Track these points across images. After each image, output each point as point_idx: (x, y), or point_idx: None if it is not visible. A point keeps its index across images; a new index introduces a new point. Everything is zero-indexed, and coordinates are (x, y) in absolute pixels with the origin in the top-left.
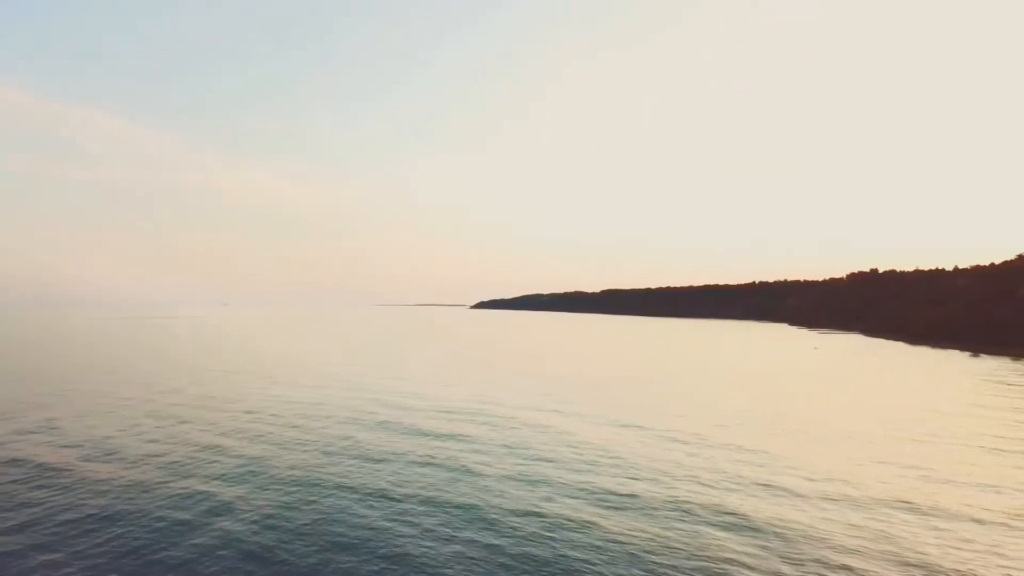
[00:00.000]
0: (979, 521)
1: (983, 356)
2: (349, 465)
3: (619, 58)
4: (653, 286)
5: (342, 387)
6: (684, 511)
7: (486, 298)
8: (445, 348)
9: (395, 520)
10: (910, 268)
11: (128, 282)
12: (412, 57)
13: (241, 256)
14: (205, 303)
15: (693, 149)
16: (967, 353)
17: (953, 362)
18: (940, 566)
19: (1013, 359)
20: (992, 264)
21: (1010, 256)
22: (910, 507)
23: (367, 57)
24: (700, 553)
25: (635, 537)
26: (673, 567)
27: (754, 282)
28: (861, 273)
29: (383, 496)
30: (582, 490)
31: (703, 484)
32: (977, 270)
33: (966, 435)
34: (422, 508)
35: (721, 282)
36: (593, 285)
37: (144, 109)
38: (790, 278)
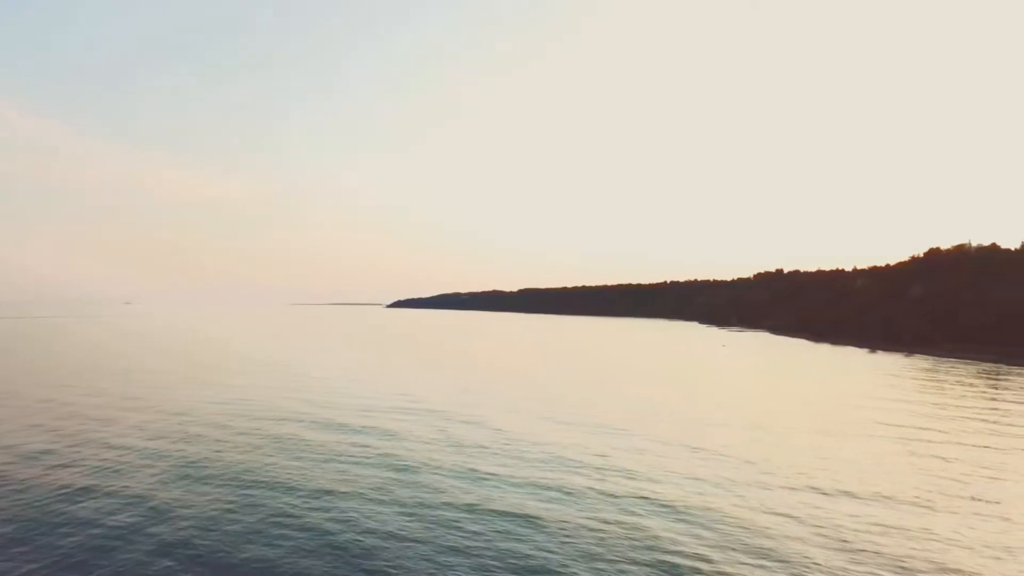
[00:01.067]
0: (888, 499)
1: (879, 352)
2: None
3: (542, 63)
4: (570, 285)
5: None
6: (614, 501)
7: (403, 297)
8: (337, 348)
9: (331, 519)
10: (813, 269)
11: (27, 279)
12: (339, 60)
13: (151, 252)
14: (109, 301)
15: (613, 152)
16: (865, 350)
17: (852, 358)
18: (850, 543)
19: (905, 355)
20: (888, 265)
21: (904, 258)
22: (820, 491)
23: (295, 56)
24: (635, 540)
25: (570, 526)
26: (607, 554)
27: (666, 282)
28: (767, 273)
29: (313, 495)
30: (517, 484)
31: (628, 475)
32: (874, 271)
33: (866, 425)
34: (357, 505)
35: (635, 282)
36: (511, 284)
37: (45, 100)
38: (700, 278)
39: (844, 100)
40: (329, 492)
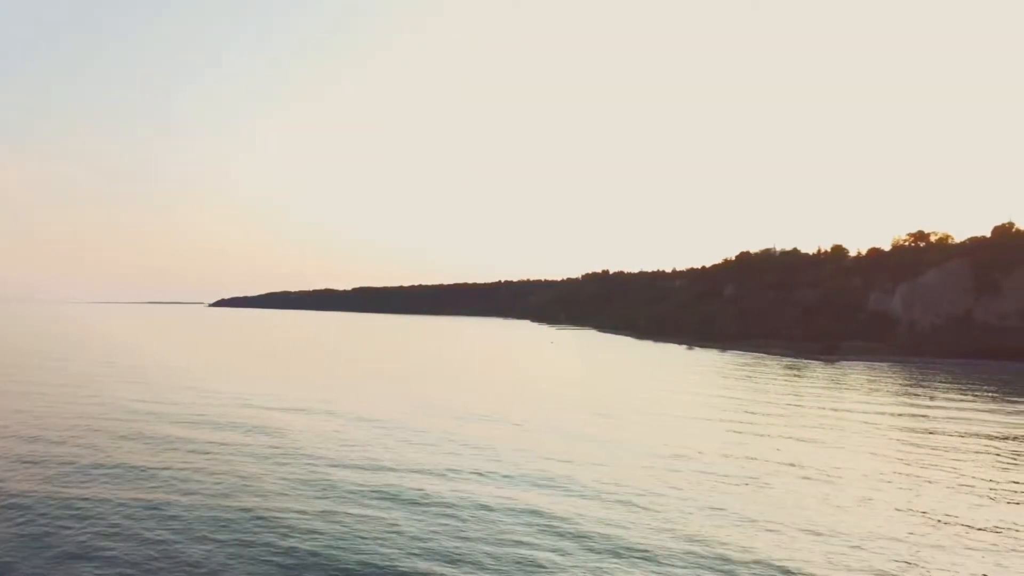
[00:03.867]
0: (722, 478)
1: (696, 348)
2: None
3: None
4: (405, 284)
5: None
6: (464, 503)
7: (228, 295)
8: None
9: (163, 527)
10: (636, 270)
11: None
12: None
13: None
14: None
15: (458, 152)
16: (684, 346)
17: (672, 353)
18: (677, 527)
19: (720, 351)
20: (703, 267)
21: (718, 260)
22: (655, 474)
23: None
24: (492, 540)
25: (416, 528)
26: (459, 552)
27: (500, 281)
28: (594, 274)
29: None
30: (359, 489)
31: (479, 476)
32: (691, 272)
33: (687, 413)
34: (194, 514)
35: (469, 281)
36: (344, 283)
37: None
38: (532, 278)
39: (669, 106)
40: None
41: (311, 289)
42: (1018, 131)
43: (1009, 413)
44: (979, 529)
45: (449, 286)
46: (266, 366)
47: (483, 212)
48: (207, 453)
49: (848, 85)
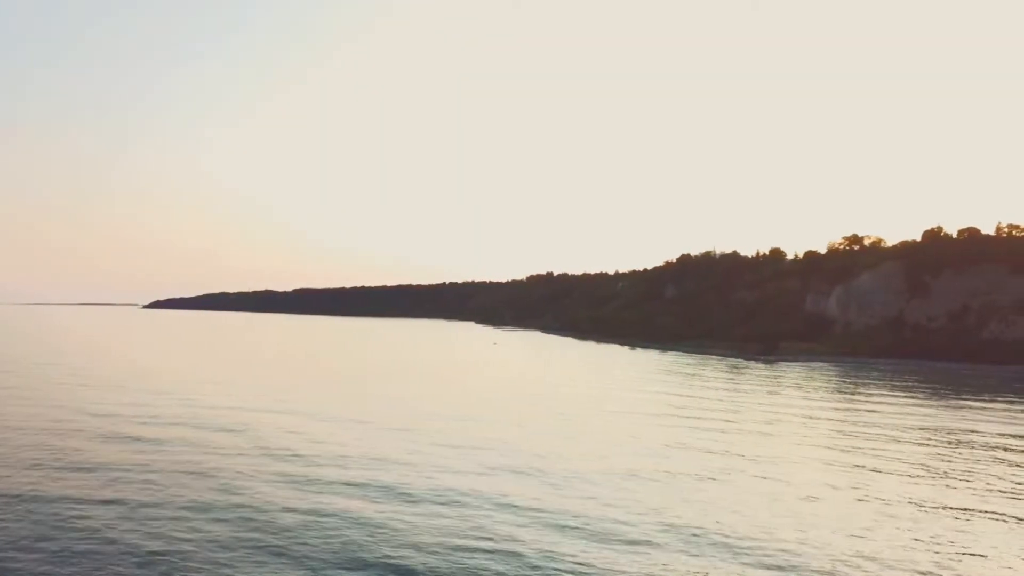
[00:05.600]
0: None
1: (638, 348)
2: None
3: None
4: (347, 285)
5: None
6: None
7: (164, 296)
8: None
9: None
10: (580, 272)
11: None
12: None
13: None
14: None
15: (406, 151)
16: (626, 346)
17: (615, 354)
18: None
19: (661, 351)
20: (646, 269)
21: (660, 262)
22: (596, 468)
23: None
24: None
25: (384, 520)
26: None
27: (444, 282)
28: (539, 275)
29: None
30: (319, 482)
31: (429, 470)
32: (634, 274)
33: (628, 410)
34: (150, 510)
35: (413, 282)
36: (283, 284)
37: None
38: (477, 279)
39: (612, 109)
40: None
41: (250, 290)
42: (949, 136)
43: (937, 408)
44: (913, 508)
45: (393, 287)
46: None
47: (428, 212)
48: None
49: (782, 89)
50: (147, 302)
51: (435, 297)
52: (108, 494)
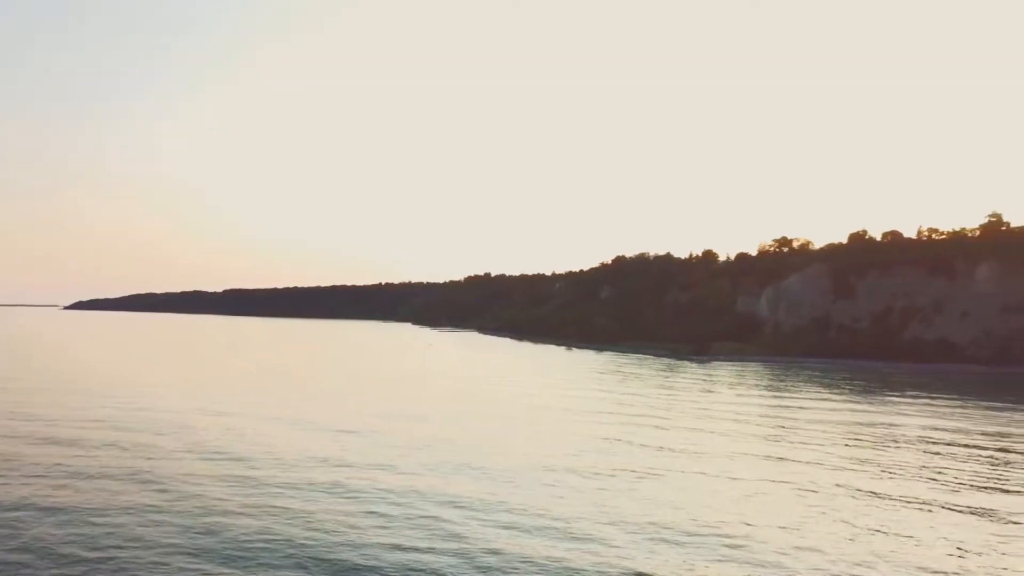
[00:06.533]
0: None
1: (575, 349)
2: None
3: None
4: (281, 285)
5: None
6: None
7: (87, 297)
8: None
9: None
10: (517, 273)
11: None
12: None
13: None
14: None
15: (344, 148)
16: (563, 347)
17: (552, 354)
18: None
19: (596, 351)
20: (581, 270)
21: (596, 264)
22: (526, 464)
23: None
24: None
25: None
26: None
27: (380, 283)
28: (477, 277)
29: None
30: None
31: (375, 468)
32: (570, 275)
33: (569, 407)
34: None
35: (348, 283)
36: (214, 283)
37: None
38: (414, 280)
39: (547, 110)
40: None
41: (179, 291)
42: (875, 142)
43: (863, 405)
44: (847, 498)
45: (327, 288)
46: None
47: (366, 212)
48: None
49: (713, 94)
50: (69, 303)
51: (371, 298)
52: (41, 500)
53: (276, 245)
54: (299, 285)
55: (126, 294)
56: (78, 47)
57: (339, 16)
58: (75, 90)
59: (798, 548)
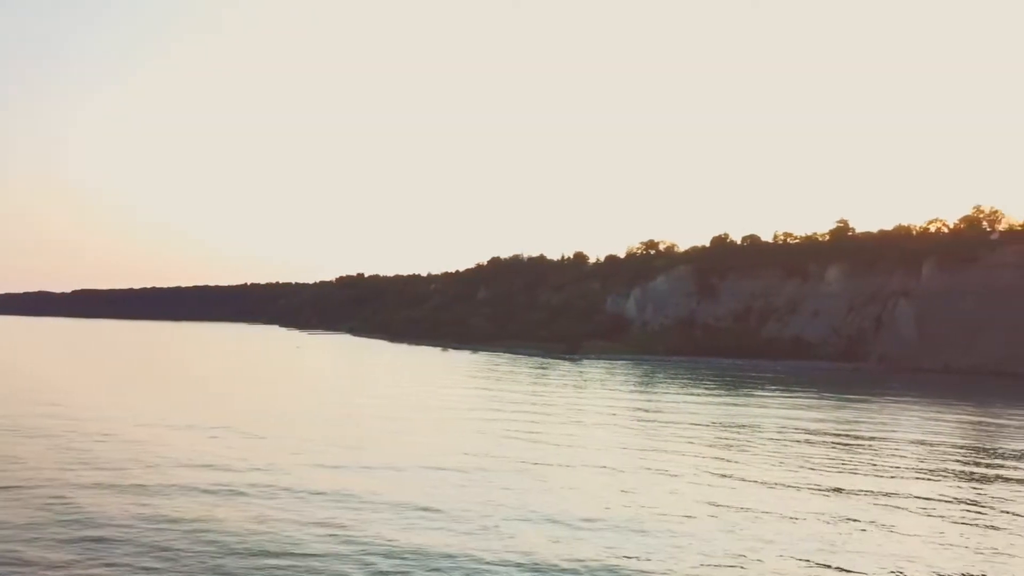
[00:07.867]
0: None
1: (451, 350)
2: None
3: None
4: (136, 286)
5: None
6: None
7: None
8: None
9: None
10: (391, 273)
11: None
12: None
13: None
14: None
15: (218, 143)
16: (439, 348)
17: (429, 355)
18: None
19: (472, 352)
20: (458, 271)
21: (471, 264)
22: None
23: None
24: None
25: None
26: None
27: (245, 283)
28: (348, 277)
29: None
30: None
31: (250, 468)
32: (446, 276)
33: (447, 406)
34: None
35: (211, 283)
36: (61, 284)
37: None
38: (282, 280)
39: (423, 110)
40: None
41: (21, 291)
42: (736, 149)
43: (724, 399)
44: (726, 489)
45: (188, 288)
46: None
47: (228, 204)
48: None
49: (592, 99)
50: None
51: (235, 299)
52: None
53: (136, 239)
54: (157, 285)
55: None
56: None
57: (235, 8)
58: None
59: (677, 533)
